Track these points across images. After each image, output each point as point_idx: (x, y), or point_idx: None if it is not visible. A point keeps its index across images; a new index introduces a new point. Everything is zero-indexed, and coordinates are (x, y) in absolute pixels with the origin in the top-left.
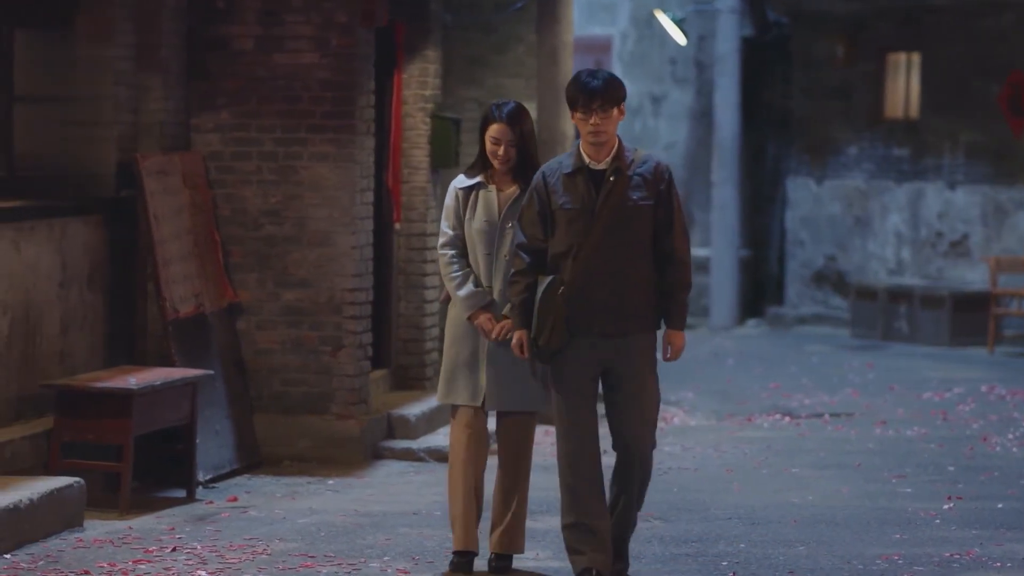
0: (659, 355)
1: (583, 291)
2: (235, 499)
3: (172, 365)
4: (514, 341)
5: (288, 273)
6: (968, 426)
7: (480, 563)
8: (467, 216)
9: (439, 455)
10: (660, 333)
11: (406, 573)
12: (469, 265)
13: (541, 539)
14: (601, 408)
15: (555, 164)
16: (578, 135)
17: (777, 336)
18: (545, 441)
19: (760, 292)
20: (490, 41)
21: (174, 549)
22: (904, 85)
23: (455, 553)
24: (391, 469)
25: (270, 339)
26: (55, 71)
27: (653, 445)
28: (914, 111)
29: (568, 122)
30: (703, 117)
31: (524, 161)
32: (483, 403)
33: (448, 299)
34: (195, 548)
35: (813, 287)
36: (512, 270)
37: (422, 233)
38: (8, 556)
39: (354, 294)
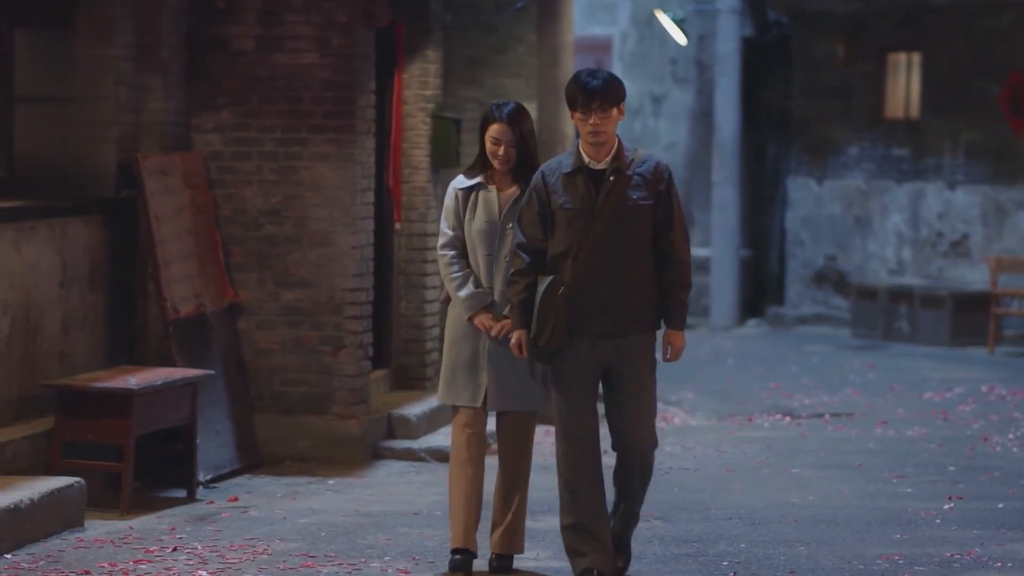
0: (659, 355)
1: (583, 291)
2: (236, 499)
3: (173, 365)
4: (513, 341)
5: (289, 273)
6: (969, 426)
7: (480, 563)
8: (467, 217)
9: (440, 455)
10: (660, 333)
11: (407, 573)
12: (469, 266)
13: (541, 539)
14: (601, 408)
15: (554, 164)
16: (578, 135)
17: (777, 336)
18: (545, 441)
19: (760, 292)
20: (490, 41)
21: (175, 549)
22: (904, 85)
23: (453, 551)
24: (392, 469)
25: (270, 339)
26: (55, 71)
27: (655, 444)
28: (914, 111)
29: (568, 122)
30: (703, 117)
31: (524, 161)
32: (484, 404)
33: (448, 300)
34: (196, 548)
35: (813, 287)
36: (511, 270)
37: (423, 233)
38: (9, 556)
39: (355, 294)
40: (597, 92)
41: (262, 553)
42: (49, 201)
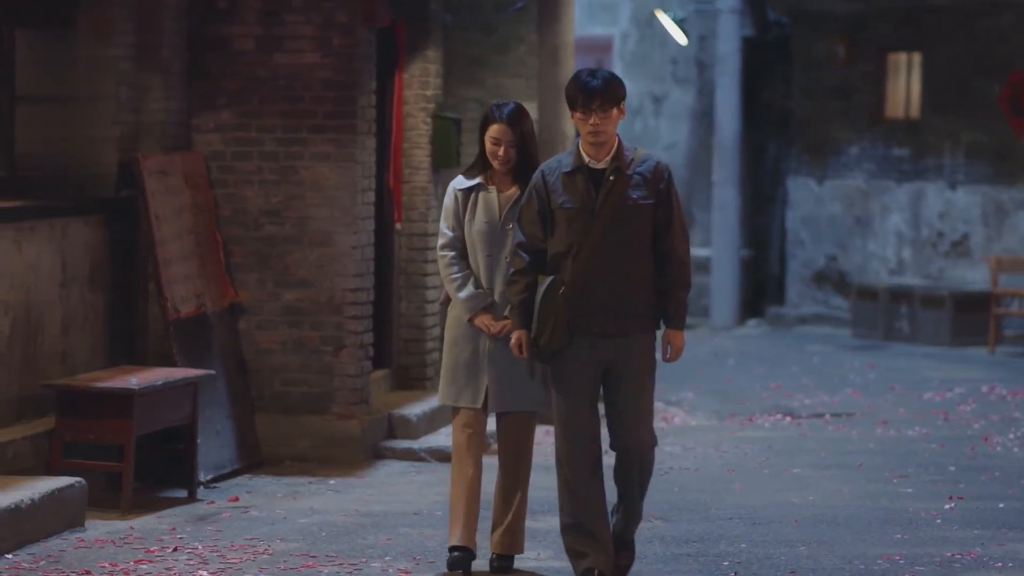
0: (659, 355)
1: (583, 291)
2: (236, 499)
3: (173, 365)
4: (513, 341)
5: (289, 273)
6: (969, 426)
7: (480, 563)
8: (467, 217)
9: (440, 455)
10: (660, 333)
11: (407, 573)
12: (469, 267)
13: (542, 539)
14: (601, 408)
15: (554, 163)
16: (578, 134)
17: (778, 336)
18: (545, 441)
19: (761, 292)
20: (491, 41)
21: (175, 549)
22: (905, 85)
23: (452, 548)
24: (392, 469)
25: (271, 339)
26: (56, 71)
27: (654, 442)
28: (915, 111)
29: (568, 122)
30: (704, 117)
31: (524, 162)
32: (484, 404)
33: (448, 301)
34: (196, 548)
35: (814, 287)
36: (511, 269)
37: (423, 233)
38: (10, 556)
39: (355, 294)
40: (597, 92)
41: (263, 553)
42: (49, 201)
